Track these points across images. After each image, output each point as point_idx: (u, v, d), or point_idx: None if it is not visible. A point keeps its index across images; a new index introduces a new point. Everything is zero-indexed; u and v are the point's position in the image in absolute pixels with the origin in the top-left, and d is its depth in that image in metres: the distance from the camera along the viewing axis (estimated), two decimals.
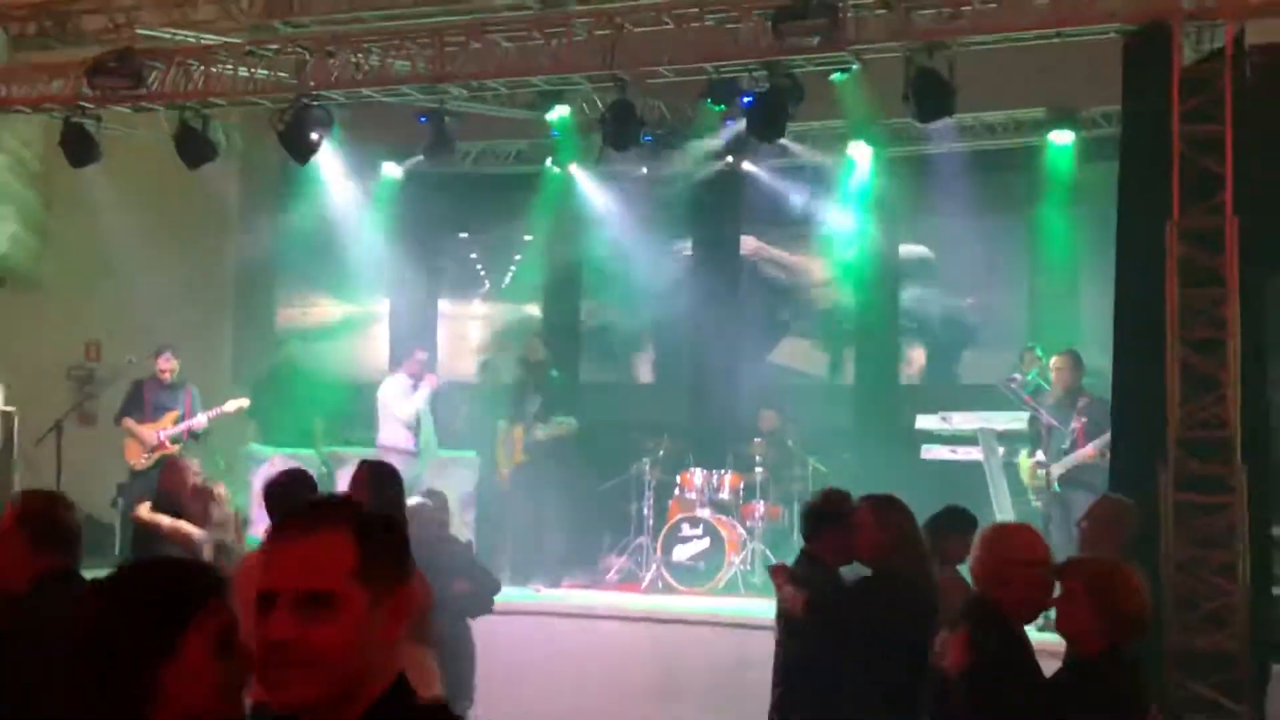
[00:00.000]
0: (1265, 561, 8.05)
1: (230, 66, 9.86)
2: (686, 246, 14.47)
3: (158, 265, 13.44)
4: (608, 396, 14.36)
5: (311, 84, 9.65)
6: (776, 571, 5.97)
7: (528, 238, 14.74)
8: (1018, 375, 11.05)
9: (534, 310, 14.87)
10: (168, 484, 8.25)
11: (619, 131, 9.39)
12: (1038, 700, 4.26)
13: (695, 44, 9.00)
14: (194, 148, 10.22)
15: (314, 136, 9.99)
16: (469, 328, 15.33)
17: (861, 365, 13.76)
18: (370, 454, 12.51)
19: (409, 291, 14.89)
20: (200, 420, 11.63)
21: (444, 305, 15.27)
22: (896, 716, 5.39)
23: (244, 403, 11.89)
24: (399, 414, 11.59)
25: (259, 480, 12.55)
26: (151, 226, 13.29)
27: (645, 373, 14.63)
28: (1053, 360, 10.58)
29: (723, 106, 10.45)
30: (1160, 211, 8.04)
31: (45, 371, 13.84)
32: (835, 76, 10.33)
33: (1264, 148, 7.99)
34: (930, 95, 8.72)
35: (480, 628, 10.89)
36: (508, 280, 15.12)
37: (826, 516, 5.98)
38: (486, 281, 15.35)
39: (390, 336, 14.86)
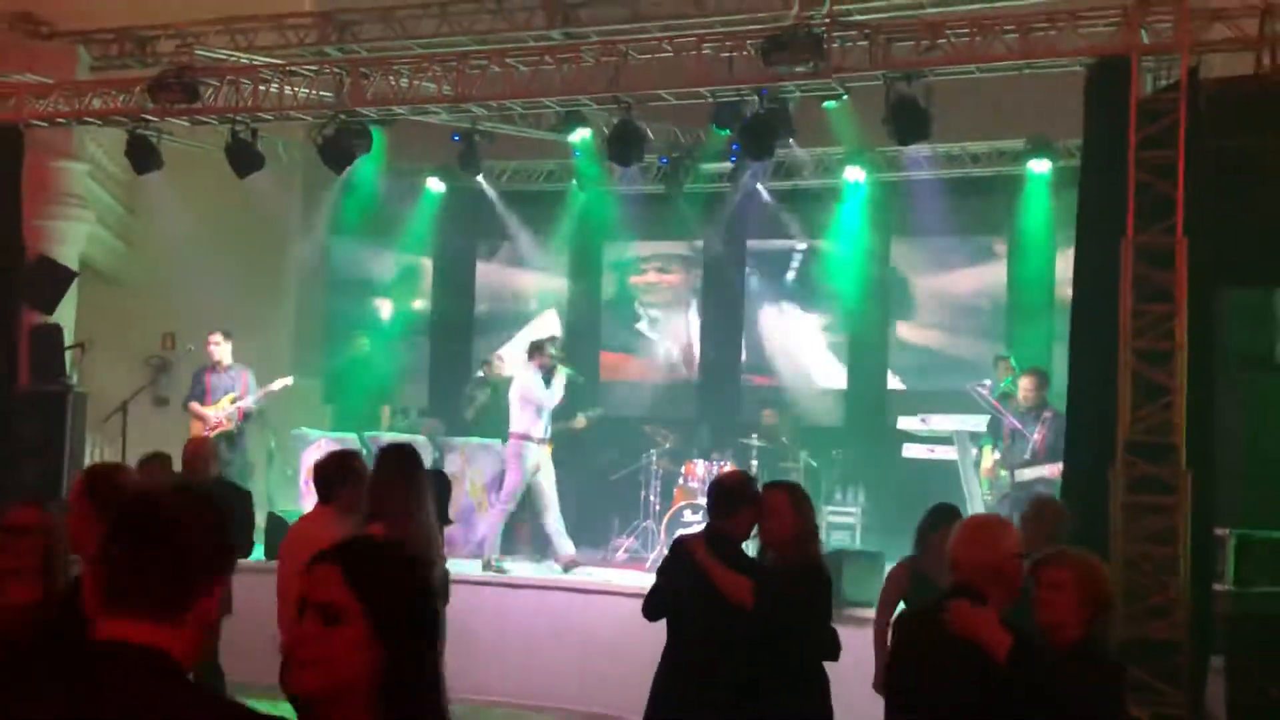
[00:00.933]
0: (1207, 559, 7.62)
1: (276, 85, 9.60)
2: (697, 259, 14.10)
3: (227, 265, 13.34)
4: (625, 393, 14.03)
5: (348, 102, 9.36)
6: (696, 546, 5.28)
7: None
8: (987, 381, 10.66)
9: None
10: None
11: (622, 149, 9.07)
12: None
13: (693, 71, 8.67)
14: (243, 158, 9.97)
15: (352, 150, 9.72)
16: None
17: (854, 371, 13.36)
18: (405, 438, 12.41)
19: (451, 295, 14.67)
20: (248, 401, 11.40)
21: (479, 309, 14.91)
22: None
23: (288, 381, 11.66)
24: (543, 403, 10.90)
25: (307, 458, 12.47)
26: (222, 230, 13.13)
27: (659, 373, 14.25)
28: (1021, 379, 10.28)
29: (727, 130, 10.15)
30: (1116, 231, 7.65)
31: (126, 359, 13.65)
32: (828, 105, 10.01)
33: (1215, 173, 7.56)
34: (908, 120, 8.36)
35: (482, 598, 10.73)
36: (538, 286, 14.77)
37: (742, 497, 5.41)
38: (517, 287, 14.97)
39: (430, 338, 14.57)
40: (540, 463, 10.91)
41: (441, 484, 7.20)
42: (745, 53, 8.46)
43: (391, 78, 9.23)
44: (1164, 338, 7.55)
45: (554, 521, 10.98)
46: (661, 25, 8.73)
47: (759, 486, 5.55)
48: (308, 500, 12.26)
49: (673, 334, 14.20)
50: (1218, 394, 7.70)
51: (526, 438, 10.85)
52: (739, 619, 5.06)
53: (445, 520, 7.15)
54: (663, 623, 5.47)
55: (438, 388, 13.94)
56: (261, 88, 9.61)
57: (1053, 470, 9.39)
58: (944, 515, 6.02)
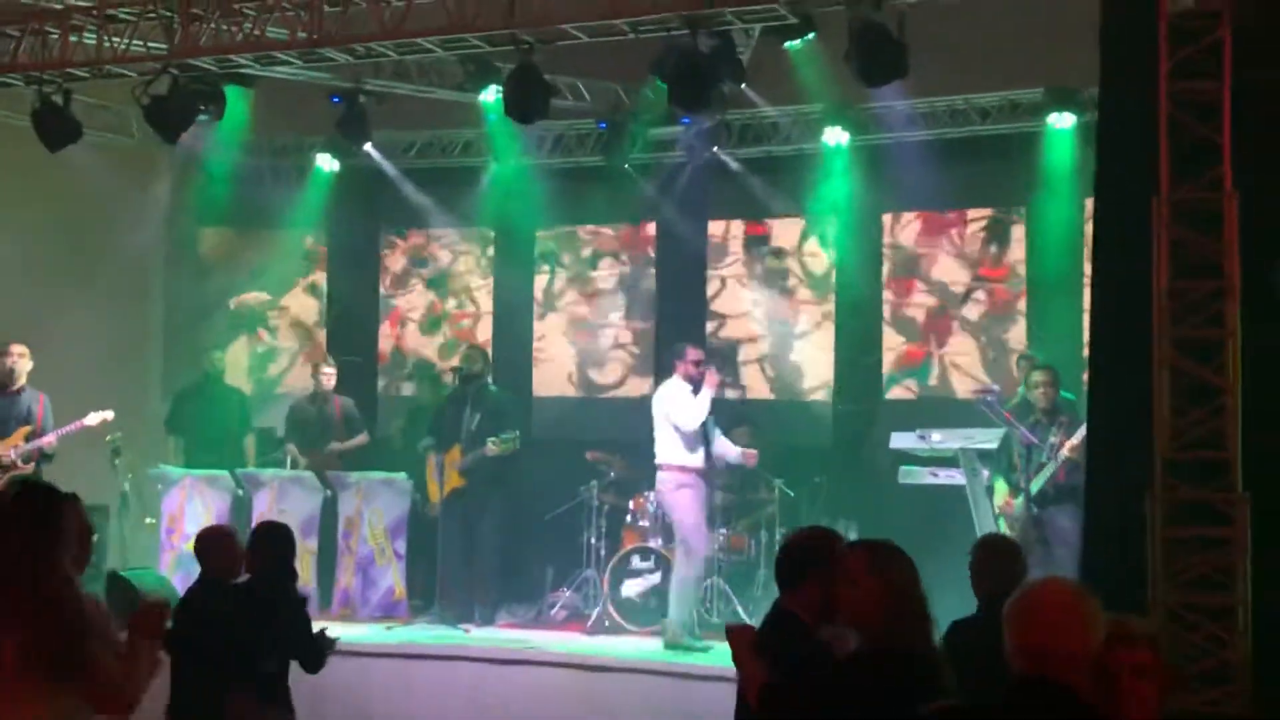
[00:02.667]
0: (1274, 609, 6.72)
1: (93, 35, 8.72)
2: (650, 242, 13.21)
3: (59, 263, 12.49)
4: (559, 411, 13.14)
5: (178, 52, 8.49)
6: (738, 638, 4.52)
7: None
8: (995, 387, 9.78)
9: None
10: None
11: (521, 102, 8.18)
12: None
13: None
14: (55, 126, 9.09)
15: (189, 113, 8.86)
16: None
17: (841, 380, 12.46)
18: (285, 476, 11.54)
19: (353, 291, 13.78)
20: (49, 439, 10.44)
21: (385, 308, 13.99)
22: None
23: (108, 415, 10.69)
24: (684, 425, 9.89)
25: (170, 504, 11.59)
26: (54, 220, 12.30)
27: (605, 384, 13.34)
28: (1033, 376, 9.58)
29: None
30: (1145, 188, 6.76)
31: None
32: (790, 45, 9.19)
33: (1269, 110, 6.70)
34: (877, 55, 7.50)
35: (379, 672, 9.87)
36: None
37: (812, 560, 4.60)
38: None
39: (328, 344, 13.64)
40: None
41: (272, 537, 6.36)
42: None
43: (231, 22, 8.34)
44: (1212, 323, 6.68)
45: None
46: None
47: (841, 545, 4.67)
48: (168, 555, 11.44)
49: (622, 338, 13.30)
50: None
51: (689, 469, 10.00)
52: None
53: (289, 576, 6.50)
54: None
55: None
56: (74, 38, 8.70)
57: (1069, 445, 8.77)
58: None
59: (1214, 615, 6.56)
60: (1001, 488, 9.51)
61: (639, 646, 10.02)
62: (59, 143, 9.17)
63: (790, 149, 12.37)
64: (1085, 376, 7.26)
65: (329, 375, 11.86)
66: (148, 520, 11.82)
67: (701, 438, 10.03)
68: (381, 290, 13.82)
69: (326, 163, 13.11)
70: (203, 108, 9.27)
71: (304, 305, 13.90)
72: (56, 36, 8.79)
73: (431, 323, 13.70)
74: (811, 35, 8.96)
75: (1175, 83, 6.75)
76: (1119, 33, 7.06)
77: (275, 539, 6.45)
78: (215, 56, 8.59)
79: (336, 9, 8.25)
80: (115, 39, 8.76)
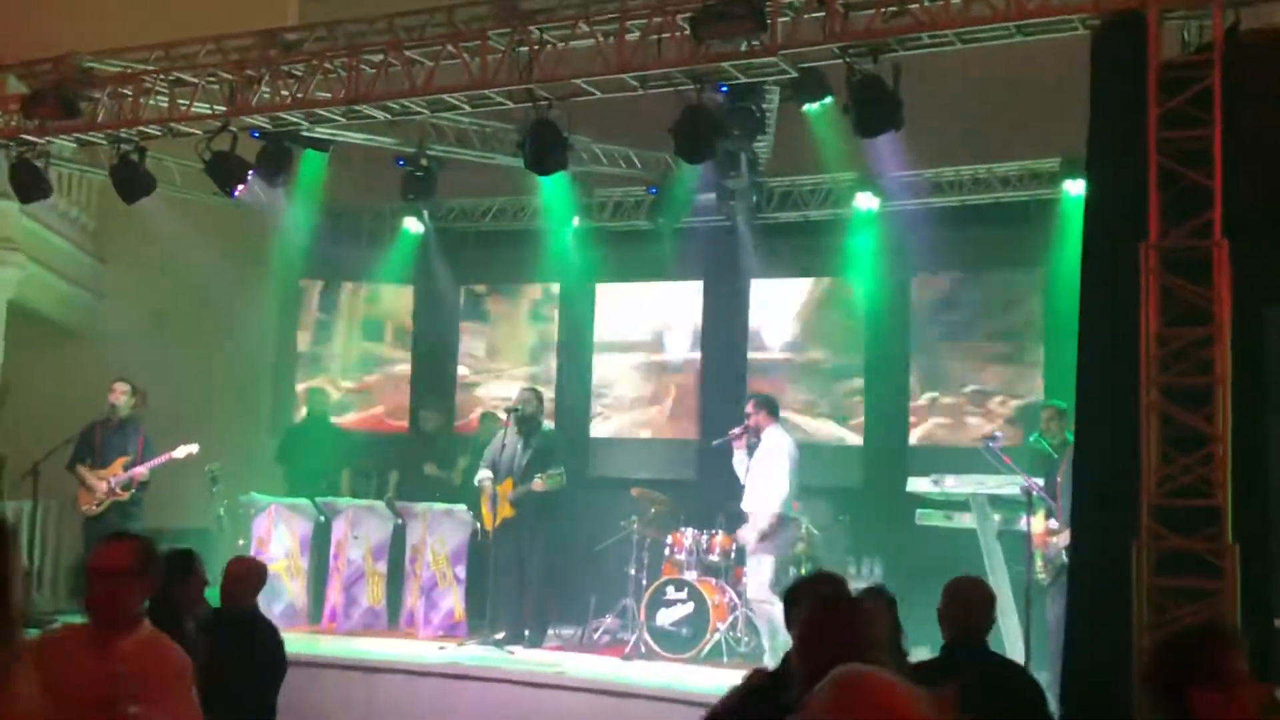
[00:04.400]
0: (1264, 665, 5.56)
1: (166, 97, 8.09)
2: (695, 299, 12.26)
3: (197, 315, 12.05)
4: (613, 451, 12.21)
5: (235, 111, 7.82)
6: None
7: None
8: (999, 435, 8.67)
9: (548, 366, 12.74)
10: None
11: (540, 153, 7.35)
12: None
13: (614, 56, 6.94)
14: (130, 181, 8.46)
15: (240, 170, 8.20)
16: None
17: (871, 422, 11.37)
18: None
19: (434, 346, 13.03)
20: (142, 470, 9.79)
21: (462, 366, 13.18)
22: None
23: (193, 449, 10.03)
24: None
25: (258, 528, 10.91)
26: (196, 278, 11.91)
27: (655, 427, 12.38)
28: (1041, 412, 8.50)
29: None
30: (1134, 234, 5.73)
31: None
32: (808, 109, 8.25)
33: (1260, 157, 5.63)
34: (873, 105, 6.53)
35: (426, 688, 9.04)
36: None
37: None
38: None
39: (411, 392, 12.91)
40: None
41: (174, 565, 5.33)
42: (677, 33, 6.72)
43: (280, 82, 7.65)
44: (1200, 369, 5.63)
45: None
46: (579, 7, 7.00)
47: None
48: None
49: (672, 385, 12.36)
50: (1272, 441, 5.69)
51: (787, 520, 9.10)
52: None
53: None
54: None
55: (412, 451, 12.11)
56: (145, 100, 8.08)
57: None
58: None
59: None
60: (1038, 523, 8.29)
61: (668, 673, 9.04)
62: (134, 196, 8.54)
63: (825, 214, 11.39)
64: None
65: None
66: (239, 543, 11.13)
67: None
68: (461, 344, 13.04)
69: (413, 224, 12.43)
70: (270, 167, 8.54)
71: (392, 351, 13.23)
72: (130, 98, 8.15)
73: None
74: (828, 99, 8.00)
75: (1164, 131, 5.72)
76: (1109, 83, 6.04)
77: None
78: (269, 115, 7.89)
79: (372, 72, 7.52)
80: (183, 101, 8.11)
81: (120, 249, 12.86)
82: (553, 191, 10.98)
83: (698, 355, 12.12)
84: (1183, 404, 5.58)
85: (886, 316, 11.28)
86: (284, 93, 7.75)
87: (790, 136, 9.93)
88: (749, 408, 9.26)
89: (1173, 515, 5.58)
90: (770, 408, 9.27)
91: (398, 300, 13.00)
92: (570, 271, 12.23)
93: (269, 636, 6.04)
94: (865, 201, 10.93)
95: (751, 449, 9.17)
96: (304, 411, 12.23)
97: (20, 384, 12.27)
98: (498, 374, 12.79)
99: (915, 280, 11.28)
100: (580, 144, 10.11)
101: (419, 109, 7.76)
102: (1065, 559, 7.46)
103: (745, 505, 9.18)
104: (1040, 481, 7.97)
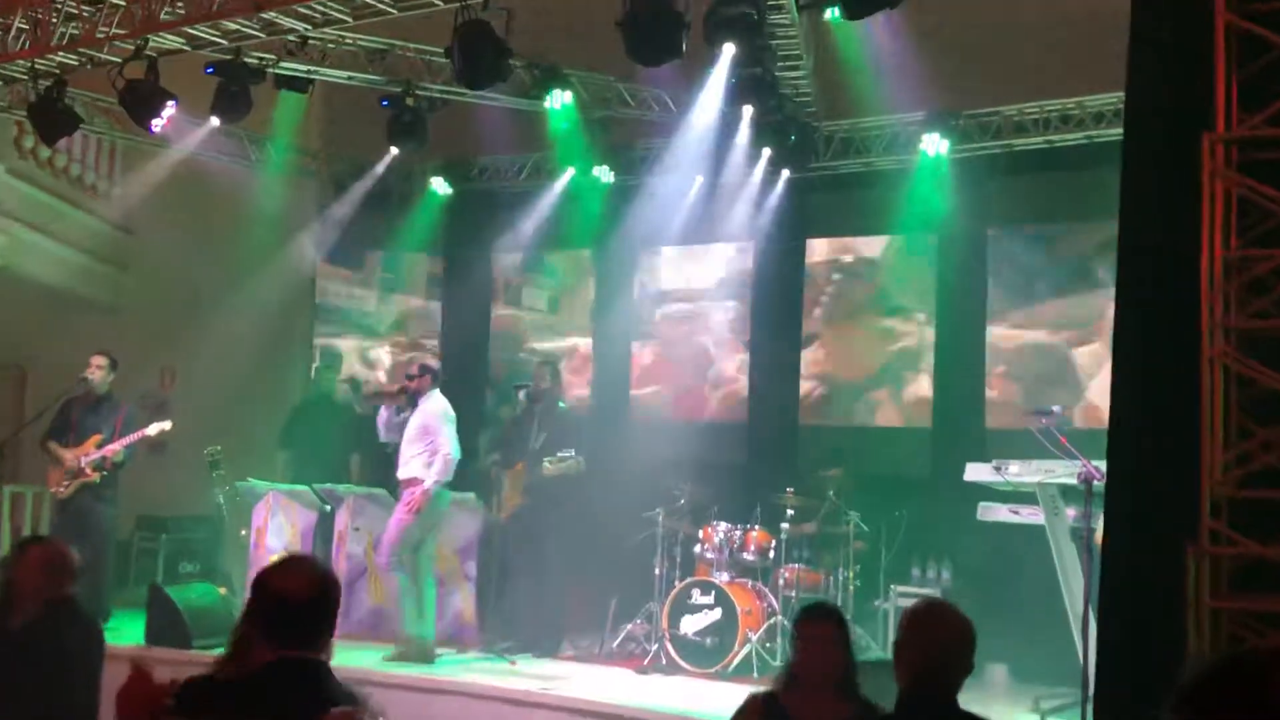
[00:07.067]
0: None
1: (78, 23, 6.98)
2: (746, 260, 10.78)
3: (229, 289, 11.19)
4: (655, 433, 10.79)
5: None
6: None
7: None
8: (1056, 408, 6.95)
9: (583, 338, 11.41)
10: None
11: (468, 64, 5.98)
12: None
13: None
14: (49, 119, 7.40)
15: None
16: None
17: (940, 403, 9.74)
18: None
19: (460, 308, 11.86)
20: (114, 447, 8.77)
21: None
22: None
23: (165, 425, 8.97)
24: None
25: (256, 518, 9.90)
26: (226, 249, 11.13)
27: (704, 407, 10.94)
28: None
29: None
30: (1191, 124, 4.11)
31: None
32: (832, 18, 6.78)
33: None
34: None
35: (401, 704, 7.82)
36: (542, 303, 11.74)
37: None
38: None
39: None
40: None
41: None
42: None
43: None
44: None
45: None
46: None
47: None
48: (254, 569, 9.68)
49: (719, 358, 10.91)
50: None
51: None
52: None
53: None
54: None
55: None
56: (61, 28, 6.98)
57: None
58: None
59: None
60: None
61: (682, 691, 7.68)
62: (54, 135, 7.49)
63: (890, 160, 9.80)
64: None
65: None
66: (243, 532, 10.11)
67: None
68: (493, 309, 11.82)
69: (440, 186, 11.26)
70: (226, 104, 7.41)
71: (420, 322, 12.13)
72: (41, 19, 7.06)
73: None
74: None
75: None
76: None
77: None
78: (185, 38, 6.72)
79: None
80: (104, 28, 7.00)
81: (145, 220, 12.02)
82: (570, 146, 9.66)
83: (747, 334, 10.66)
84: (1258, 354, 3.94)
85: (957, 277, 9.64)
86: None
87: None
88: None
89: (1246, 511, 3.97)
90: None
91: (427, 267, 11.88)
92: (609, 235, 10.88)
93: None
94: (931, 144, 9.31)
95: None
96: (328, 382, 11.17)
97: (43, 361, 11.60)
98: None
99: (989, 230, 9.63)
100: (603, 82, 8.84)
101: (340, 13, 6.49)
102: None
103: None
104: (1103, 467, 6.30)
